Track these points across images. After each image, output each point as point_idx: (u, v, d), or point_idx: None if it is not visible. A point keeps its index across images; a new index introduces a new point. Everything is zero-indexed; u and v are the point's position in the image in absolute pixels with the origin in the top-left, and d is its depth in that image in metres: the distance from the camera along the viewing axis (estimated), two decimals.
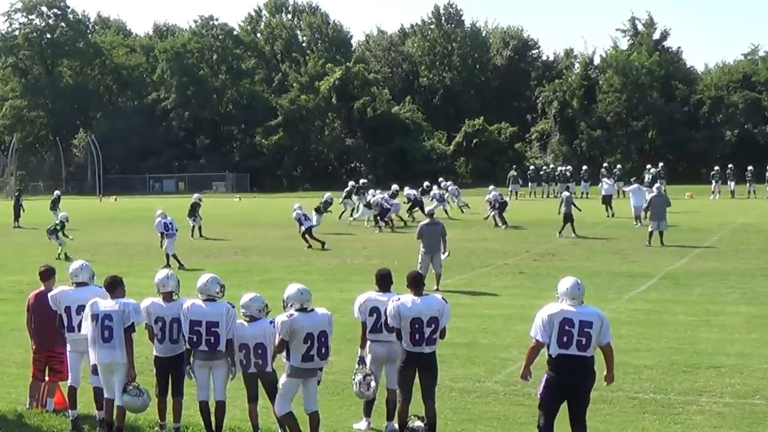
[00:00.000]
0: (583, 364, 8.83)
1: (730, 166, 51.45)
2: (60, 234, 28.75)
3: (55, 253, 27.89)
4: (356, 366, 10.35)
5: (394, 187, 41.40)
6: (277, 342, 9.57)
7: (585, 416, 9.02)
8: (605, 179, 43.24)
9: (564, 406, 8.99)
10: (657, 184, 32.00)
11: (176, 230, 26.59)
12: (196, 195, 36.08)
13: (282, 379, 9.69)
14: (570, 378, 8.83)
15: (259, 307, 9.93)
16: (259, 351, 9.78)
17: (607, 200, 38.81)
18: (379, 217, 35.72)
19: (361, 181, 44.65)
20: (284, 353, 9.59)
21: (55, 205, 40.92)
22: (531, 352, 9.08)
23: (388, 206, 36.34)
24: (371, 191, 39.04)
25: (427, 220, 21.15)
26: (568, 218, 31.18)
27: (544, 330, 8.85)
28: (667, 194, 48.81)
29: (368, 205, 36.73)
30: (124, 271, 12.04)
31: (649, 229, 28.34)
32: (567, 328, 8.76)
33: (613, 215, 37.33)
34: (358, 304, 10.31)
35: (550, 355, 8.87)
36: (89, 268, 10.91)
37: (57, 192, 44.56)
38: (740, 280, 21.04)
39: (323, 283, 21.58)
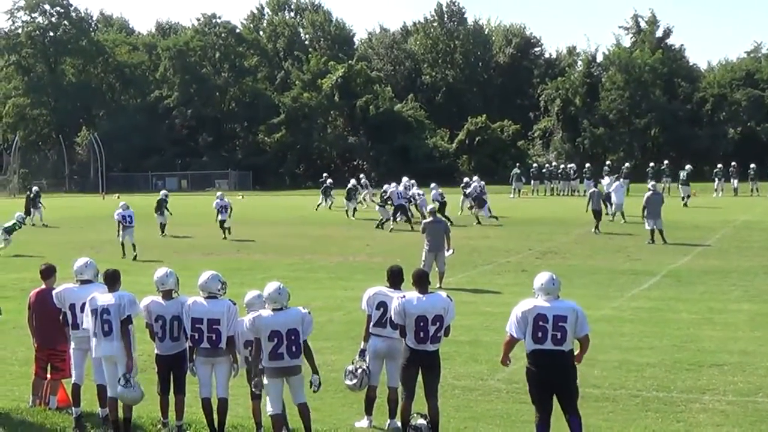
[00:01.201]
0: (560, 358, 8.91)
1: (733, 163, 51.40)
2: (13, 233, 29.41)
3: None
4: (355, 357, 10.37)
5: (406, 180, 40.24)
6: (254, 342, 9.62)
7: (576, 405, 9.07)
8: (606, 177, 43.26)
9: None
10: (653, 182, 32.01)
11: (132, 223, 28.32)
12: (163, 192, 36.06)
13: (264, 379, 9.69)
14: (548, 372, 8.92)
15: (263, 305, 9.93)
16: None
17: (607, 198, 38.80)
18: (400, 213, 35.25)
19: (355, 181, 43.32)
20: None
21: (35, 203, 40.93)
22: (506, 346, 9.27)
23: (404, 201, 35.77)
24: (386, 186, 38.14)
25: (430, 218, 21.13)
26: (597, 214, 31.53)
27: (518, 326, 8.98)
28: (670, 192, 49.17)
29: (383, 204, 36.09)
30: (125, 269, 12.06)
31: (647, 228, 28.37)
32: (541, 323, 8.87)
33: (608, 214, 37.25)
34: (367, 296, 10.33)
35: (527, 350, 8.94)
36: (94, 266, 10.93)
37: (35, 188, 44.30)
38: (743, 278, 21.02)
39: (327, 281, 21.61)
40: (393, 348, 10.19)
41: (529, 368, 9.02)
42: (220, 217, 32.89)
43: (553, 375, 8.93)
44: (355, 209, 40.00)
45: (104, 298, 10.07)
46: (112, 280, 10.26)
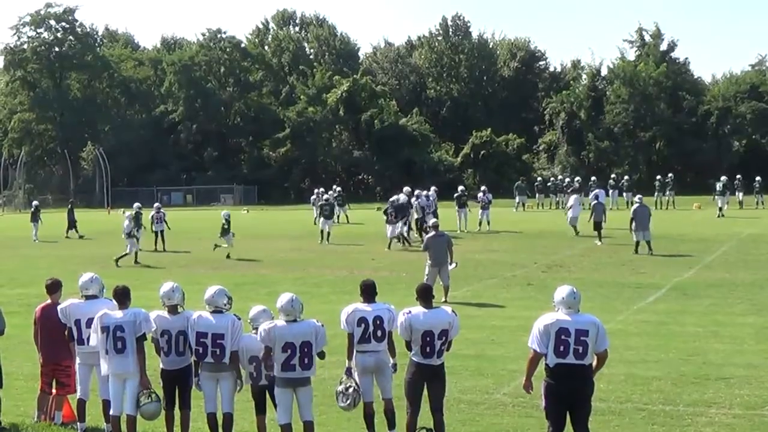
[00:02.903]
0: (581, 372, 8.88)
1: (738, 176, 51.39)
2: (229, 232, 31.12)
3: (225, 253, 30.55)
4: (343, 377, 10.28)
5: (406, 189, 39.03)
6: (263, 350, 9.64)
7: (587, 423, 9.04)
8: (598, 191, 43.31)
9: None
10: (639, 195, 32.05)
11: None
12: (136, 204, 35.33)
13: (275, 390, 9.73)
14: (568, 386, 8.88)
15: (268, 320, 9.94)
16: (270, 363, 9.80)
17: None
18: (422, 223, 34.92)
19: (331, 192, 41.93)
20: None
21: (35, 217, 40.97)
22: (530, 363, 9.17)
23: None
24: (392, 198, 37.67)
25: (432, 233, 21.12)
26: (598, 226, 31.85)
27: (540, 340, 8.94)
28: (675, 205, 49.22)
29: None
30: (132, 284, 12.02)
31: (635, 239, 28.50)
32: (563, 337, 8.84)
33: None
34: (345, 315, 10.25)
35: (547, 365, 8.92)
36: (99, 281, 10.94)
37: (35, 203, 44.35)
38: (749, 291, 20.98)
39: (332, 296, 21.55)
40: (380, 361, 10.21)
41: (548, 382, 8.95)
42: (155, 228, 34.29)
43: (573, 389, 8.90)
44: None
45: (117, 314, 10.06)
46: (123, 296, 10.23)
